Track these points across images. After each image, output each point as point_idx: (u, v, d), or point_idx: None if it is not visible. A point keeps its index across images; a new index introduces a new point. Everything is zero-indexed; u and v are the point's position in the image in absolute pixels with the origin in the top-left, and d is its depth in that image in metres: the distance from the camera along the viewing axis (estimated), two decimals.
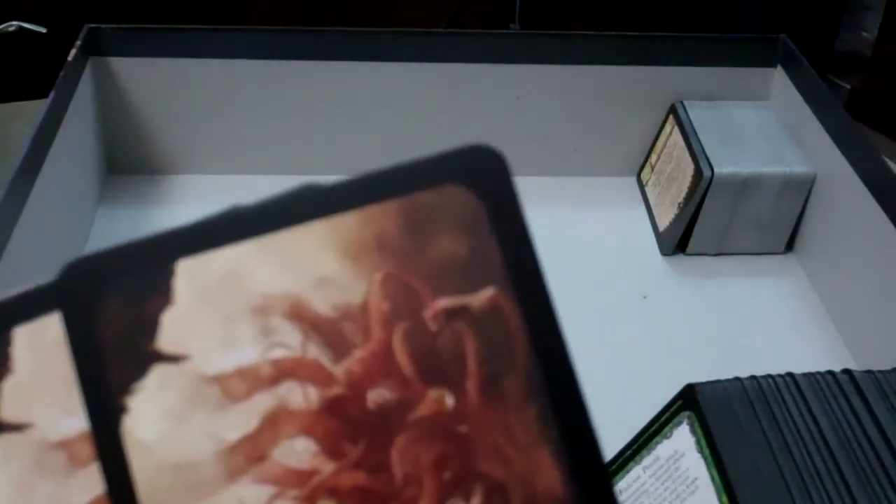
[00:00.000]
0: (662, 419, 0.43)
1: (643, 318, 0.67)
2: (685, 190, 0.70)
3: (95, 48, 0.72)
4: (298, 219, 0.19)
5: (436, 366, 0.18)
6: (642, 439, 0.44)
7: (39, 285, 0.18)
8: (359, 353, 0.18)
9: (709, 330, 0.66)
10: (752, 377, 0.42)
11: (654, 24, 1.51)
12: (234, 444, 0.18)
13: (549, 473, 0.18)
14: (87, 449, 0.18)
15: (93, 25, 0.72)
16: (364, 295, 0.19)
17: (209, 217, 0.19)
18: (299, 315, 0.18)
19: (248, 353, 0.18)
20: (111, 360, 0.18)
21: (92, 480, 0.18)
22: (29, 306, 0.18)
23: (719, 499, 0.39)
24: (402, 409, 0.18)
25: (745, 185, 0.69)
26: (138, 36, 0.72)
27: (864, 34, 1.57)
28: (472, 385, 0.18)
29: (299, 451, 0.18)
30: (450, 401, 0.18)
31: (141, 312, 0.18)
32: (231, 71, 0.74)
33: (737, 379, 0.42)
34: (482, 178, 0.19)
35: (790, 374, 0.43)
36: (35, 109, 0.63)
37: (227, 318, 0.18)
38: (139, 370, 0.18)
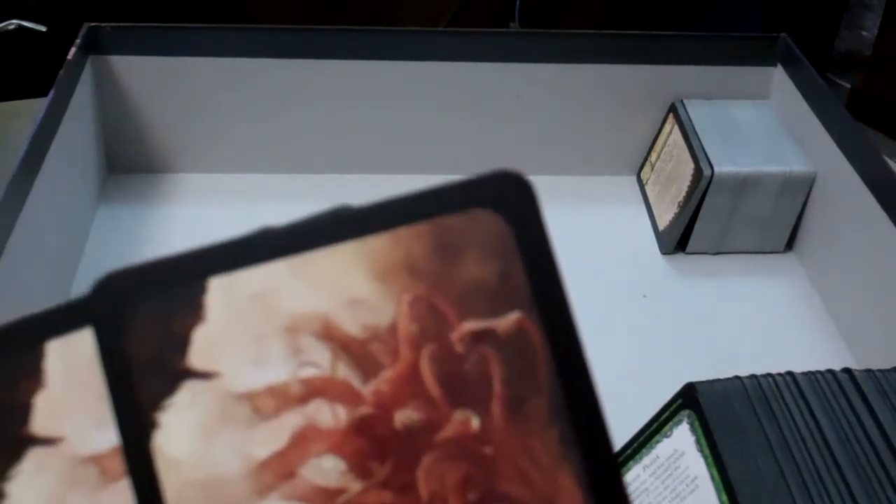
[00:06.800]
0: (662, 418, 0.43)
1: (643, 317, 0.67)
2: (685, 189, 0.70)
3: (95, 47, 0.72)
4: (329, 239, 0.19)
5: (462, 388, 0.19)
6: (642, 438, 0.44)
7: (72, 300, 0.18)
8: (387, 374, 0.19)
9: (709, 329, 0.66)
10: (752, 376, 0.42)
11: (654, 23, 1.51)
12: (263, 461, 0.18)
13: (570, 495, 0.18)
14: (118, 464, 0.18)
15: (93, 24, 0.72)
16: (393, 316, 0.19)
17: (241, 235, 0.18)
18: (329, 335, 0.19)
19: (277, 371, 0.18)
20: (142, 376, 0.18)
21: (123, 495, 0.18)
22: (61, 321, 0.18)
23: (719, 498, 0.39)
24: (428, 430, 0.18)
25: (745, 184, 0.69)
26: (138, 34, 0.72)
27: (864, 33, 1.57)
28: (497, 407, 0.18)
29: (327, 470, 0.18)
30: (475, 422, 0.19)
31: (172, 329, 0.18)
32: (231, 69, 0.74)
33: (737, 378, 0.42)
34: (510, 204, 0.19)
35: (790, 373, 0.43)
36: (35, 108, 0.63)
37: (258, 336, 0.18)
38: (170, 386, 0.18)
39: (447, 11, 1.54)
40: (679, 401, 0.42)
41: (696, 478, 0.40)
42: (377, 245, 0.19)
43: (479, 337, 0.19)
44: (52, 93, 0.64)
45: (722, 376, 0.43)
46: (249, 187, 0.77)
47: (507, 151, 0.78)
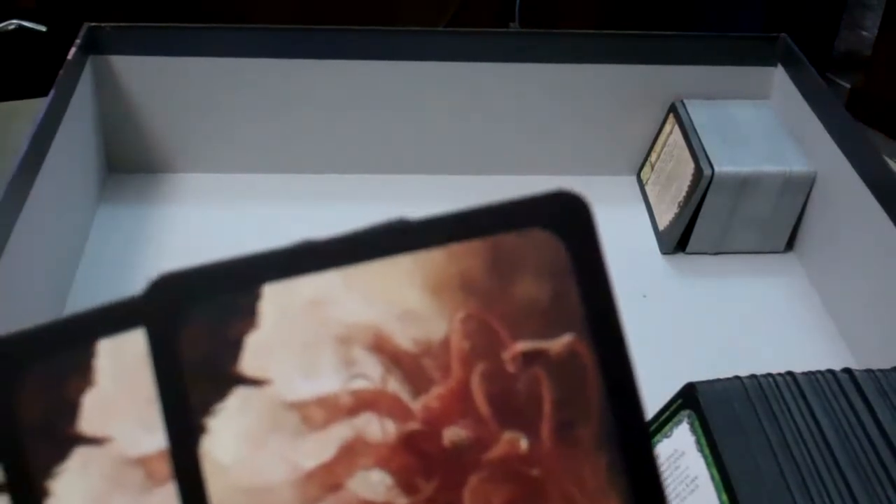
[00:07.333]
0: (662, 418, 0.43)
1: (643, 318, 0.67)
2: (685, 189, 0.70)
3: (95, 47, 0.72)
4: (385, 252, 0.19)
5: (512, 408, 0.18)
6: None
7: (125, 299, 0.18)
8: (437, 390, 0.19)
9: (709, 329, 0.66)
10: (752, 376, 0.42)
11: (655, 23, 1.51)
12: (310, 471, 0.18)
13: None
14: (164, 467, 0.18)
15: (93, 24, 0.72)
16: (445, 332, 0.19)
17: (297, 243, 0.18)
18: (381, 348, 0.19)
19: (328, 381, 0.18)
20: (193, 379, 0.18)
21: (168, 499, 0.18)
22: (113, 320, 0.18)
23: (719, 498, 0.39)
24: (476, 449, 0.18)
25: (746, 184, 0.69)
26: (138, 34, 0.72)
27: (864, 33, 1.57)
28: (546, 430, 0.18)
29: (374, 483, 0.18)
30: (524, 444, 0.18)
31: (225, 333, 0.18)
32: (231, 69, 0.74)
33: (737, 378, 0.42)
34: (567, 225, 0.19)
35: (790, 373, 0.43)
36: (35, 108, 0.63)
37: (310, 345, 0.18)
38: (220, 391, 0.18)
39: (447, 11, 1.54)
40: (679, 401, 0.42)
41: (696, 478, 0.40)
42: (432, 260, 0.19)
43: (530, 358, 0.19)
44: (52, 93, 0.64)
45: (722, 376, 0.43)
46: (249, 187, 0.77)
47: (507, 151, 0.78)
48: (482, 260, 0.19)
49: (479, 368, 0.19)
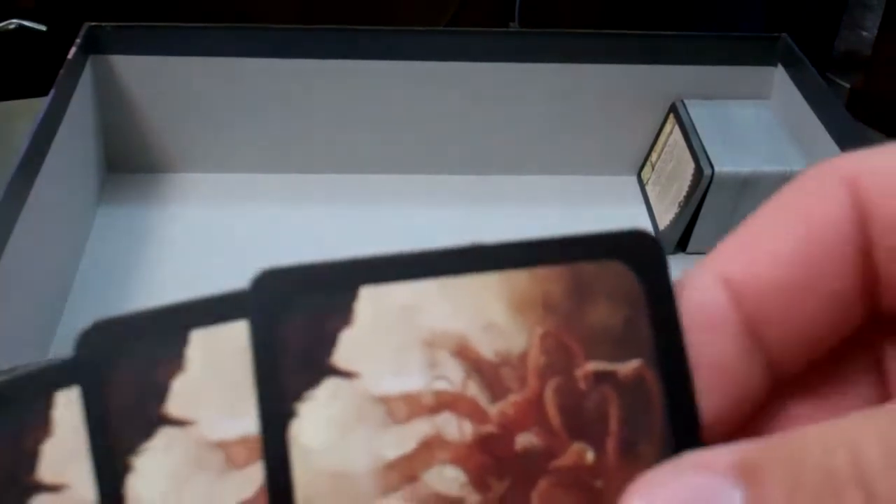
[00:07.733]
0: None
1: None
2: (685, 189, 0.70)
3: (96, 46, 0.72)
4: (476, 268, 0.20)
5: (581, 421, 0.20)
6: None
7: (229, 292, 0.20)
8: (513, 398, 0.20)
9: None
10: None
11: (655, 23, 1.51)
12: (391, 462, 0.20)
13: None
14: (243, 452, 0.19)
15: (93, 23, 0.72)
16: (524, 346, 0.20)
17: (395, 252, 0.20)
18: (464, 354, 0.20)
19: (413, 380, 0.20)
20: (289, 369, 0.19)
21: (244, 483, 0.19)
22: (215, 311, 0.20)
23: None
24: (546, 456, 0.20)
25: (746, 184, 0.69)
26: (139, 34, 0.72)
27: (864, 33, 1.57)
28: (611, 445, 0.20)
29: (449, 479, 0.20)
30: (590, 456, 0.20)
31: (322, 328, 0.20)
32: (232, 69, 0.74)
33: None
34: (642, 261, 0.21)
35: None
36: (35, 108, 0.63)
37: (399, 345, 0.20)
38: (313, 381, 0.20)
39: (447, 11, 1.54)
40: None
41: None
42: (518, 280, 0.20)
43: (601, 377, 0.20)
44: (52, 93, 0.64)
45: None
46: (249, 187, 0.77)
47: (508, 151, 0.78)
48: (563, 284, 0.20)
49: (553, 383, 0.20)
